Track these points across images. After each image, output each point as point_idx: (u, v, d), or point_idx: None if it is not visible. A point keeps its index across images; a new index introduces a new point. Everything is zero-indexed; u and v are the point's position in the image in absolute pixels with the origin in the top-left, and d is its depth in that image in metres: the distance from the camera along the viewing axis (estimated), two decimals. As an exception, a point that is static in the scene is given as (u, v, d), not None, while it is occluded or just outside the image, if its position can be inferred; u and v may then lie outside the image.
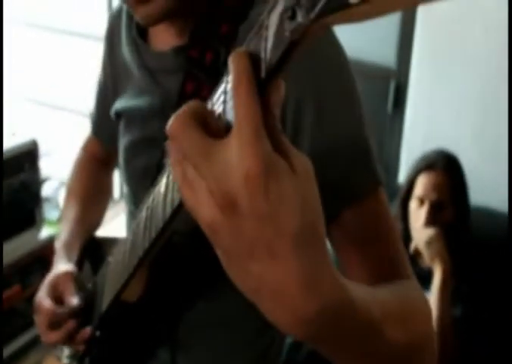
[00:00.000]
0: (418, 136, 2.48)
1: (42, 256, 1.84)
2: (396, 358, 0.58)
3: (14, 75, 3.03)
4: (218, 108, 0.47)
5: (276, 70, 0.42)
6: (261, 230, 0.42)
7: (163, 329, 0.98)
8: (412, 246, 1.94)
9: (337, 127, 0.74)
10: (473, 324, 1.88)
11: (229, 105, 0.45)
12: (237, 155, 0.41)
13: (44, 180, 1.82)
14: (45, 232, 1.89)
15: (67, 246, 1.07)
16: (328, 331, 0.46)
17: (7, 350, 1.87)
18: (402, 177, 2.41)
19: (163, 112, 0.87)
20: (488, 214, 2.20)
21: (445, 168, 1.98)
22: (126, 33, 0.94)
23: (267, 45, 0.42)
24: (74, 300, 0.97)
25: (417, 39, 2.42)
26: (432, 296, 1.83)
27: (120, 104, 0.97)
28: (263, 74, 0.43)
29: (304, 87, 0.73)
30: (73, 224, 1.11)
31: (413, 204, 1.99)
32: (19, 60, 3.10)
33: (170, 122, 0.44)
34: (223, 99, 0.47)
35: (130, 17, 0.94)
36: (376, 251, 0.73)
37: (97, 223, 1.17)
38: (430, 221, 1.92)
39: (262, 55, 0.43)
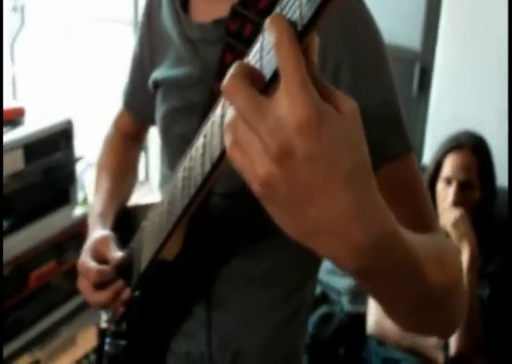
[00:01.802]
0: (443, 118, 2.49)
1: (77, 233, 1.89)
2: (432, 299, 0.62)
3: (47, 59, 3.08)
4: (255, 65, 0.50)
5: (311, 24, 0.45)
6: (317, 172, 0.45)
7: (200, 286, 1.01)
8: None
9: (372, 93, 0.78)
10: (500, 306, 1.90)
11: (265, 60, 0.49)
12: (288, 106, 0.44)
13: (78, 159, 1.87)
14: (78, 210, 1.93)
15: (102, 215, 1.10)
16: (379, 261, 0.50)
17: (42, 325, 1.92)
18: (427, 159, 2.43)
19: (202, 82, 0.90)
20: (512, 195, 2.21)
21: (474, 148, 1.99)
22: (168, 4, 0.98)
23: (302, 1, 0.45)
24: (118, 253, 0.99)
25: (443, 21, 2.42)
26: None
27: (158, 73, 1.01)
28: (299, 28, 0.45)
29: (342, 52, 0.77)
30: (106, 194, 1.14)
31: (440, 185, 2.00)
32: (49, 46, 3.14)
33: (224, 82, 0.47)
34: (258, 56, 0.50)
35: None
36: (409, 208, 0.78)
37: (127, 196, 1.20)
38: (457, 201, 1.93)
39: (297, 12, 0.46)
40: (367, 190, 0.48)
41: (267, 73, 0.48)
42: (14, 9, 3.24)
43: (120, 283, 0.98)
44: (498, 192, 2.07)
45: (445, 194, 1.97)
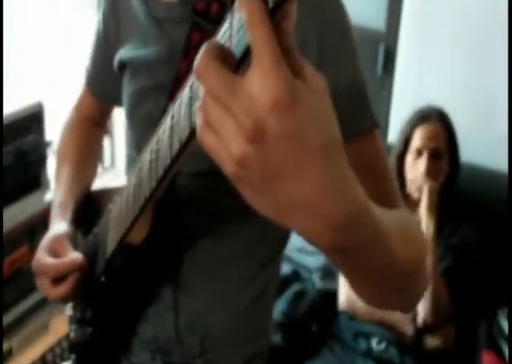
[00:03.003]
0: (407, 98, 2.53)
1: (49, 218, 1.87)
2: (397, 275, 0.63)
3: (13, 43, 3.02)
4: (225, 44, 0.50)
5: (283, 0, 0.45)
6: (291, 150, 0.45)
7: (167, 269, 1.00)
8: (407, 192, 2.03)
9: (339, 70, 0.79)
10: (462, 274, 1.97)
11: (235, 40, 0.48)
12: (261, 84, 0.44)
13: (48, 144, 1.85)
14: (50, 194, 1.92)
15: (62, 206, 1.09)
16: (351, 235, 0.50)
17: (16, 311, 1.90)
18: (391, 138, 2.47)
19: (169, 61, 0.89)
20: (476, 170, 2.28)
21: (441, 119, 2.07)
22: None
23: None
24: (73, 254, 0.97)
25: (406, 2, 2.46)
26: None
27: (124, 53, 0.99)
28: (271, 4, 0.45)
29: (310, 27, 0.77)
30: (67, 184, 1.13)
31: (409, 157, 2.06)
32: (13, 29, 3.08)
33: (195, 63, 0.46)
34: (228, 35, 0.49)
35: None
36: (374, 185, 0.78)
37: (89, 183, 1.18)
38: (430, 170, 1.99)
39: None
40: (340, 166, 0.48)
41: (238, 51, 0.48)
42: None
43: (75, 274, 0.97)
44: (463, 168, 2.14)
45: (416, 166, 2.03)
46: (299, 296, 2.09)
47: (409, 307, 0.77)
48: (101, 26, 1.09)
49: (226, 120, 0.45)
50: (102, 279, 1.01)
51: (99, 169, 3.06)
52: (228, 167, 0.47)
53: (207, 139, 0.47)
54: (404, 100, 2.55)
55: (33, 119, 1.79)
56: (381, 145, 0.81)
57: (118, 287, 1.02)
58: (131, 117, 1.02)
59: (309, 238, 0.50)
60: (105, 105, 1.21)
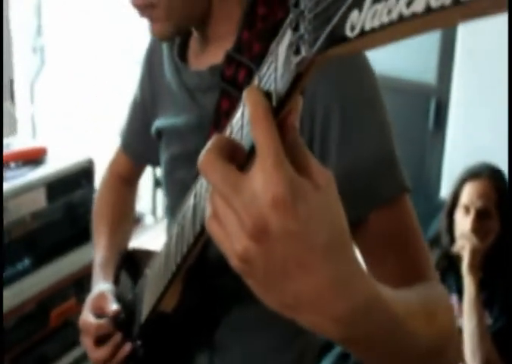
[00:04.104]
0: (459, 153, 2.50)
1: (96, 272, 1.90)
2: (422, 355, 0.60)
3: (68, 99, 3.13)
4: (237, 134, 0.51)
5: (286, 98, 0.45)
6: (293, 248, 0.45)
7: (201, 334, 1.00)
8: (455, 249, 1.97)
9: (363, 142, 0.77)
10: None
11: (246, 130, 0.49)
12: (262, 183, 0.44)
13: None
14: (99, 247, 1.95)
15: (103, 268, 1.12)
16: (360, 328, 0.50)
17: (63, 362, 1.92)
18: (444, 193, 2.43)
19: (200, 129, 0.90)
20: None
21: (491, 177, 2.01)
22: (168, 54, 0.99)
23: (277, 75, 0.45)
24: (114, 306, 1.00)
25: (458, 55, 2.45)
26: (466, 308, 1.86)
27: (160, 122, 1.02)
28: (274, 103, 0.46)
29: (331, 101, 0.77)
30: (105, 246, 1.16)
31: (459, 213, 2.01)
32: (70, 86, 3.20)
33: (200, 158, 0.47)
34: (240, 124, 0.50)
35: None
36: (400, 255, 0.77)
37: (126, 241, 1.22)
38: (476, 228, 1.94)
39: (272, 85, 0.46)
40: (345, 262, 0.48)
41: (248, 142, 0.48)
42: (34, 50, 3.32)
43: (118, 337, 0.99)
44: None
45: (464, 223, 1.98)
46: (344, 357, 2.04)
47: None
48: (138, 93, 1.12)
49: (229, 216, 0.46)
50: (138, 343, 1.01)
51: (152, 221, 3.13)
52: (232, 261, 0.47)
53: (213, 229, 0.48)
54: (457, 155, 2.51)
55: (83, 174, 1.84)
56: (410, 210, 0.79)
57: (153, 351, 1.02)
58: (165, 183, 1.05)
59: (317, 332, 0.50)
60: (138, 166, 1.24)
